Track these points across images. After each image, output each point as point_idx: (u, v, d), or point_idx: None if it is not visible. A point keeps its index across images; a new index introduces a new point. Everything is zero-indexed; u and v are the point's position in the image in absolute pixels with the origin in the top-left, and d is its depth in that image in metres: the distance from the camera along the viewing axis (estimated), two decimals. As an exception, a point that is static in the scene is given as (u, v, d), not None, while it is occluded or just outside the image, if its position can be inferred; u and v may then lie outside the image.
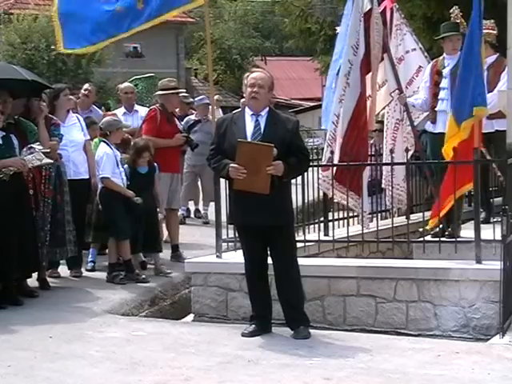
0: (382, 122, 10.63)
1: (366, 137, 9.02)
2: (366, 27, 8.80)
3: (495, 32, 9.51)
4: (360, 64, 8.70)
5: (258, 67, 40.28)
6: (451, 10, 9.58)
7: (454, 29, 9.13)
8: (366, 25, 8.81)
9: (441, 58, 9.23)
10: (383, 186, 10.03)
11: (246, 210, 6.67)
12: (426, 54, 10.19)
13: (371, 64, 8.97)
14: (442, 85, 9.01)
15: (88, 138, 9.49)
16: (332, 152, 8.60)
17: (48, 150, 8.25)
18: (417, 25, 13.25)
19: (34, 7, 30.80)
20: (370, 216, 9.19)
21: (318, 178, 8.82)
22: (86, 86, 11.56)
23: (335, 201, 8.96)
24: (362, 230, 8.55)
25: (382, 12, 9.52)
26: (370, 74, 9.00)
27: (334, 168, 8.61)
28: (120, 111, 11.30)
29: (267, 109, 6.79)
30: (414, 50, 10.16)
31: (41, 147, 8.14)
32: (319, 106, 37.01)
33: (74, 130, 9.34)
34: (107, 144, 9.07)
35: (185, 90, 10.32)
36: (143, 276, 8.94)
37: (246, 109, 6.83)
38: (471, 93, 7.70)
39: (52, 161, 8.38)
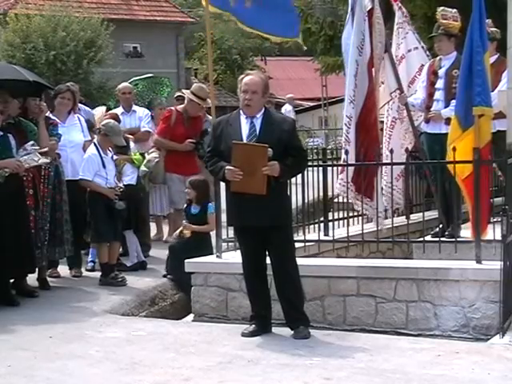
0: (382, 122, 10.63)
1: (376, 136, 9.00)
2: (369, 26, 8.84)
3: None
4: (368, 64, 8.74)
5: (257, 67, 40.41)
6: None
7: (435, 30, 9.15)
8: (368, 24, 8.84)
9: (437, 58, 9.22)
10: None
11: (244, 211, 6.65)
12: (427, 52, 10.19)
13: (374, 64, 9.01)
14: (437, 85, 9.00)
15: (88, 138, 9.50)
16: (347, 152, 8.57)
17: (45, 150, 8.24)
18: (417, 24, 13.23)
19: (34, 7, 30.81)
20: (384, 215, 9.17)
21: (331, 181, 8.86)
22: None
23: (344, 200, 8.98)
24: (362, 229, 8.55)
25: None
26: (373, 72, 9.04)
27: (351, 172, 8.62)
28: (118, 111, 11.32)
29: (262, 110, 6.76)
30: (416, 48, 10.16)
31: (36, 147, 8.09)
32: (319, 106, 37.20)
33: (73, 130, 9.37)
34: (95, 145, 9.07)
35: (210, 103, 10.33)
36: (119, 279, 8.88)
37: (241, 111, 6.81)
38: (471, 93, 7.73)
39: (49, 160, 8.36)
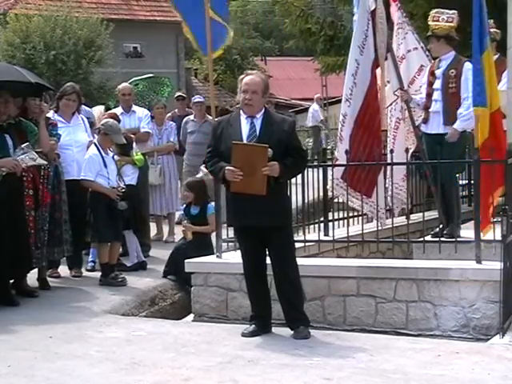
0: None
1: (379, 137, 9.00)
2: (373, 27, 8.86)
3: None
4: (372, 64, 8.75)
5: (257, 67, 40.38)
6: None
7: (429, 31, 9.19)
8: (372, 24, 8.85)
9: (438, 59, 9.22)
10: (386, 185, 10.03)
11: (244, 211, 6.65)
12: (427, 53, 10.20)
13: (379, 63, 9.03)
14: (434, 86, 9.00)
15: (91, 138, 9.52)
16: (347, 152, 8.56)
17: (40, 150, 8.22)
18: (417, 24, 13.23)
19: (33, 7, 30.80)
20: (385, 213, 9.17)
21: (333, 182, 8.85)
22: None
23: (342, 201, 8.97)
24: (362, 230, 8.56)
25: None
26: (379, 72, 9.06)
27: (341, 168, 8.62)
28: (117, 111, 11.32)
29: (262, 111, 6.76)
30: (416, 48, 10.16)
31: (30, 148, 8.05)
32: (319, 106, 37.15)
33: (79, 130, 9.40)
34: (96, 146, 9.07)
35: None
36: (120, 279, 8.88)
37: (242, 111, 6.81)
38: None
39: (46, 162, 8.35)
